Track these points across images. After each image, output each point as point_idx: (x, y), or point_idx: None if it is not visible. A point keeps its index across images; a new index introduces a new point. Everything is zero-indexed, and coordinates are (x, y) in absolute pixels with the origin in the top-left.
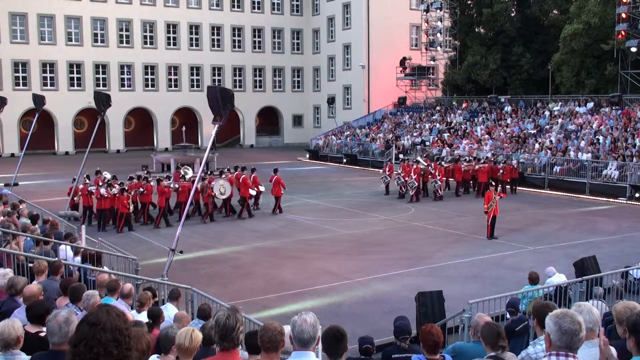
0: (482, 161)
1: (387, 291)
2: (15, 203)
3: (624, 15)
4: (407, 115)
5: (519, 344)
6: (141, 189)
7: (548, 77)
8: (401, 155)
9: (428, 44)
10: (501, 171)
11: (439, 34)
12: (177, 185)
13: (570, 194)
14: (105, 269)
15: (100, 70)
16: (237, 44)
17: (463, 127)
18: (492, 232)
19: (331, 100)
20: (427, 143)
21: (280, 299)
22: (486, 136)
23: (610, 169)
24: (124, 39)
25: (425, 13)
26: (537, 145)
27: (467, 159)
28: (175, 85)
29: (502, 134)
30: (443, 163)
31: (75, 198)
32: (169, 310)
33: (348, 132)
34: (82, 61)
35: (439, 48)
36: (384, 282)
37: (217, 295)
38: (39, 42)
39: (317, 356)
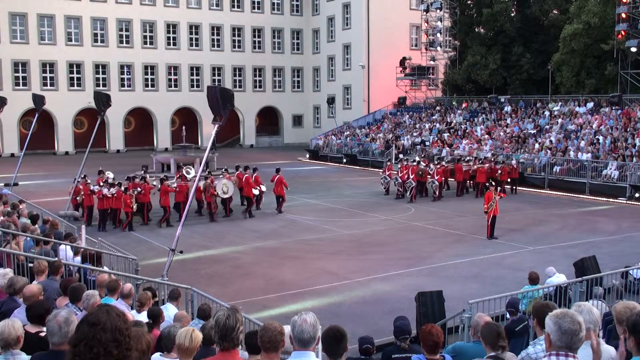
0: (481, 161)
1: (387, 291)
2: (15, 203)
3: (623, 15)
4: (407, 115)
5: (519, 344)
6: (139, 189)
7: (548, 77)
8: (401, 155)
9: (428, 44)
10: (499, 171)
11: (438, 34)
12: (174, 185)
13: (570, 194)
14: (105, 269)
15: (100, 70)
16: (237, 44)
17: (463, 127)
18: (492, 232)
19: (331, 100)
20: (427, 143)
21: (280, 299)
22: (486, 136)
23: (610, 169)
24: (124, 39)
25: (425, 13)
26: (537, 145)
27: (467, 159)
28: (175, 85)
29: (502, 134)
30: (443, 163)
31: (77, 198)
32: (169, 310)
33: (348, 132)
34: (82, 61)
35: (439, 48)
36: (384, 282)
37: (217, 295)
38: (39, 42)
39: (317, 356)
